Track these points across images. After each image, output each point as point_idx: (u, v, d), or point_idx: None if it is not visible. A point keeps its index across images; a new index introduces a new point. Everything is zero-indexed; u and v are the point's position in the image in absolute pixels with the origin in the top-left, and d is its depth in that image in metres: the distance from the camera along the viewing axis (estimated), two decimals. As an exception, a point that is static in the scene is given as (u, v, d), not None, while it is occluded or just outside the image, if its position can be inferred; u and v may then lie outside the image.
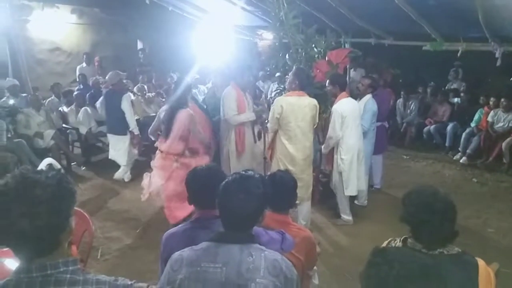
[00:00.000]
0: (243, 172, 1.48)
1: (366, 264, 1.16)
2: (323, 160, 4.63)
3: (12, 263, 1.97)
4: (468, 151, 6.36)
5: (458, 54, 5.52)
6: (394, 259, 1.10)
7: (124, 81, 5.21)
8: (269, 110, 3.96)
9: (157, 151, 3.78)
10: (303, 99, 3.63)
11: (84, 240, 2.57)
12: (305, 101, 3.63)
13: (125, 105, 4.85)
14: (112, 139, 5.21)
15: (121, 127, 4.98)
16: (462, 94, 7.31)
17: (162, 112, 3.80)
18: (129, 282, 1.19)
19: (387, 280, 1.08)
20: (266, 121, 4.37)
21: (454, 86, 7.86)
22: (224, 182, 1.45)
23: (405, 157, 6.68)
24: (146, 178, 3.80)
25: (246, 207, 1.39)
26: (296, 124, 3.60)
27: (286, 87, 4.00)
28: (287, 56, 4.57)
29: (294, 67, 3.93)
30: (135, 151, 5.38)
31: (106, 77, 5.11)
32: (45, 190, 1.04)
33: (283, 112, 3.58)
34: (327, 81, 4.09)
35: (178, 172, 3.55)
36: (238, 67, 4.31)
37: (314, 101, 3.69)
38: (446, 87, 8.01)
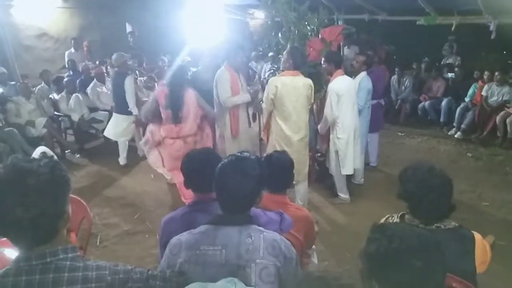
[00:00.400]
0: (239, 154, 1.47)
1: (366, 241, 1.16)
2: (318, 139, 4.63)
3: (11, 253, 1.96)
4: (462, 126, 6.38)
5: (452, 28, 5.47)
6: (393, 234, 1.11)
7: (129, 62, 5.39)
8: (263, 90, 3.92)
9: (164, 138, 3.83)
10: (297, 78, 3.58)
11: (82, 227, 2.56)
12: (300, 81, 3.58)
13: (127, 85, 4.96)
14: (117, 118, 5.27)
15: (126, 107, 5.06)
16: (456, 69, 7.28)
17: (160, 96, 3.79)
18: (129, 267, 1.20)
19: (387, 254, 1.09)
20: (261, 102, 4.33)
21: (449, 60, 7.81)
22: (220, 165, 1.44)
23: (400, 134, 6.70)
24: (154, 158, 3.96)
25: (243, 188, 1.38)
26: (291, 104, 3.56)
27: (281, 66, 3.94)
28: (279, 35, 4.50)
29: (288, 46, 3.85)
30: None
31: (112, 58, 5.30)
32: (38, 178, 1.03)
33: (278, 92, 3.54)
34: (322, 59, 4.03)
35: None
36: (230, 48, 4.23)
37: (309, 81, 3.63)
38: (442, 62, 7.96)
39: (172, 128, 3.79)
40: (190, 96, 3.77)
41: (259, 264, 1.33)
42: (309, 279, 0.95)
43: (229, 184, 1.39)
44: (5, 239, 2.10)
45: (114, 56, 5.18)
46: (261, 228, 1.44)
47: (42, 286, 1.05)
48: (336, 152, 3.99)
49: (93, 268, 1.11)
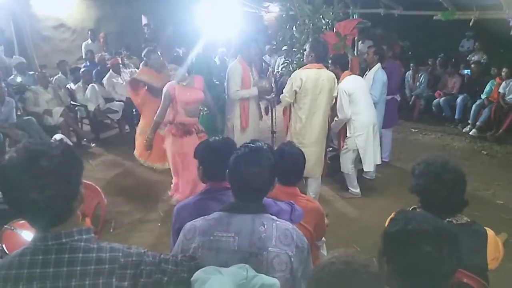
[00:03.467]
0: (252, 144, 1.48)
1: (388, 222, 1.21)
2: (332, 135, 4.61)
3: (28, 235, 2.04)
4: (478, 123, 6.28)
5: (470, 23, 5.35)
6: (412, 218, 1.13)
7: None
8: (274, 83, 3.90)
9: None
10: (321, 71, 3.58)
11: (97, 213, 2.63)
12: (324, 74, 3.58)
13: None
14: None
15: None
16: (472, 65, 7.13)
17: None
18: (142, 250, 1.21)
19: (400, 235, 1.11)
20: (272, 94, 4.32)
21: (475, 58, 7.64)
22: (234, 156, 1.45)
23: (413, 130, 6.63)
24: None
25: (257, 178, 1.39)
26: (313, 97, 3.56)
27: (304, 59, 3.92)
28: (294, 28, 4.48)
29: (310, 39, 3.83)
30: None
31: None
32: (51, 160, 1.03)
33: (302, 85, 3.53)
34: (329, 61, 4.01)
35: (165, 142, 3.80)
36: (243, 41, 4.22)
37: (332, 74, 3.64)
38: (468, 58, 7.81)
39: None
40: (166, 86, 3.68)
41: (271, 252, 1.35)
42: (336, 263, 0.96)
43: (243, 174, 1.39)
44: (22, 222, 2.20)
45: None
46: (274, 217, 1.45)
47: (58, 266, 1.08)
48: (353, 150, 3.96)
49: (107, 250, 1.13)
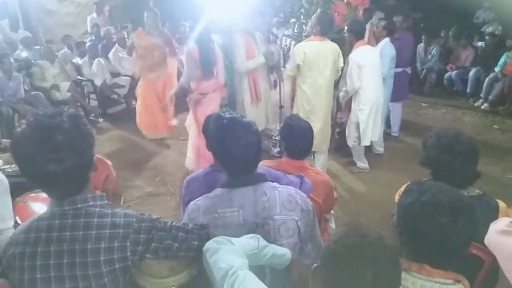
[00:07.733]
0: (227, 116, 1.41)
1: (401, 194, 1.19)
2: (343, 108, 4.55)
3: (40, 207, 2.07)
4: (490, 97, 6.15)
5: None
6: (427, 189, 1.12)
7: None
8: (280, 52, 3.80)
9: (198, 96, 3.73)
10: (325, 44, 3.51)
11: (106, 188, 2.65)
12: (327, 46, 3.52)
13: None
14: None
15: None
16: (487, 37, 6.91)
17: (190, 55, 3.64)
18: (154, 217, 1.25)
19: (414, 206, 1.10)
20: (281, 68, 4.24)
21: (490, 29, 7.40)
22: (216, 134, 1.40)
23: (424, 104, 6.53)
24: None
25: (248, 150, 1.36)
26: (318, 70, 3.50)
27: (308, 30, 3.84)
28: (303, -1, 4.36)
29: (318, 11, 3.72)
30: None
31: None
32: (66, 135, 1.06)
33: (306, 58, 3.47)
34: (345, 27, 3.89)
35: None
36: (245, 12, 4.10)
37: (335, 46, 3.57)
38: (482, 30, 7.57)
39: (211, 82, 3.74)
40: (218, 51, 3.79)
41: (277, 221, 1.35)
42: (351, 235, 0.96)
43: (234, 150, 1.35)
44: (34, 194, 2.23)
45: None
46: (275, 184, 1.44)
47: (74, 229, 1.11)
48: (357, 124, 3.92)
49: (121, 216, 1.17)
